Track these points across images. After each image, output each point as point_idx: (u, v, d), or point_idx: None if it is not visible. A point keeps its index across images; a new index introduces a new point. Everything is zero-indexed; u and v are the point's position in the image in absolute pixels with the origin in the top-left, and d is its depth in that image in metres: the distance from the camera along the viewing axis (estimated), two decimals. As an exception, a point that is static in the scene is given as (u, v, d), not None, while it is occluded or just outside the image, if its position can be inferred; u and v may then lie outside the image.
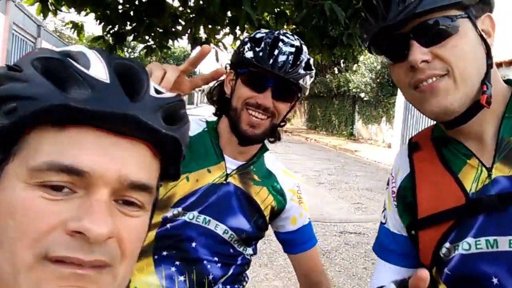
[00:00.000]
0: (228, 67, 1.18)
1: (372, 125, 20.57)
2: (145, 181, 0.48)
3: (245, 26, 3.14)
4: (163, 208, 1.06)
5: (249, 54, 1.09)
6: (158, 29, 3.60)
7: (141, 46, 4.07)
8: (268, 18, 3.69)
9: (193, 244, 1.07)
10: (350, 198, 8.21)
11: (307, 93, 1.17)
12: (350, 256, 4.93)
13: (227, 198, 1.11)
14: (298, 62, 1.09)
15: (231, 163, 1.15)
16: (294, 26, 3.54)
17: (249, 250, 1.19)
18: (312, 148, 18.21)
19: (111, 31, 3.60)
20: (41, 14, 3.34)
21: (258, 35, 1.13)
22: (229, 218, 1.10)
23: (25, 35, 14.32)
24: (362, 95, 19.64)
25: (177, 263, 1.07)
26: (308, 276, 1.29)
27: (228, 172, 1.14)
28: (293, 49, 1.09)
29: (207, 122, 1.21)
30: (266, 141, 1.22)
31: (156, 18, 3.36)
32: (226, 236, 1.10)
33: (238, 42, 3.47)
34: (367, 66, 19.43)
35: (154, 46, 3.77)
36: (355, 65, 20.91)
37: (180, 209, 1.07)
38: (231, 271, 1.13)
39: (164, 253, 1.07)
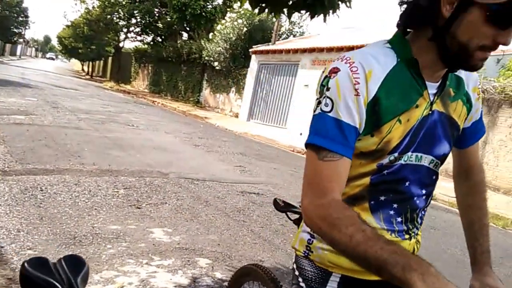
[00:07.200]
0: None
1: (221, 94, 20.79)
2: None
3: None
4: (379, 156, 1.02)
5: None
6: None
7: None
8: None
9: (407, 183, 1.06)
10: (230, 161, 8.35)
11: None
12: (263, 213, 5.09)
13: (433, 128, 1.06)
14: None
15: (431, 88, 1.04)
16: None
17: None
18: (165, 112, 17.83)
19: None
20: None
21: None
22: (435, 148, 1.08)
23: None
24: (215, 64, 19.71)
25: (395, 205, 1.07)
26: (472, 165, 1.28)
27: (432, 99, 1.04)
28: None
29: (394, 49, 1.03)
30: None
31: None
32: (431, 165, 1.09)
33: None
34: (222, 35, 19.42)
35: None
36: (211, 33, 20.78)
37: (396, 154, 1.02)
38: (430, 197, 1.14)
39: (382, 198, 1.06)
